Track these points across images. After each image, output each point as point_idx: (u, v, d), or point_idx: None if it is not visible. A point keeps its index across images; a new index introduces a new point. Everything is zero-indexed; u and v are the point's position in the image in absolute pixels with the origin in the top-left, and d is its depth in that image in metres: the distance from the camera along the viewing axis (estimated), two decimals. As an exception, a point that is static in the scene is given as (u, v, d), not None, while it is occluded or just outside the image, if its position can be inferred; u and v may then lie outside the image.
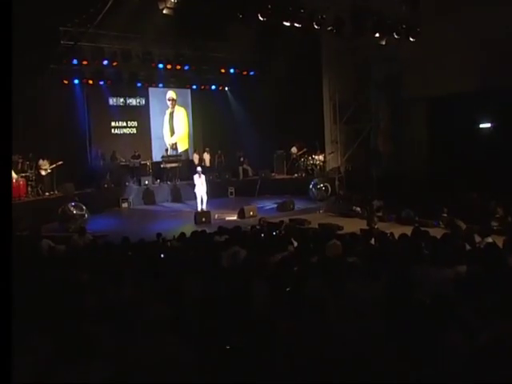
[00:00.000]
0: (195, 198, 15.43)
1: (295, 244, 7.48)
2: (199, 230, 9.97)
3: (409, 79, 16.36)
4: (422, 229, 7.63)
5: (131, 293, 4.33)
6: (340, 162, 18.83)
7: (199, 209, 15.10)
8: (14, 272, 5.89)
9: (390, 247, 6.00)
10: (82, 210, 12.80)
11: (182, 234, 9.27)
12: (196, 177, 15.51)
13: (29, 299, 4.14)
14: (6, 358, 2.56)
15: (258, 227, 10.14)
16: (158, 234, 9.62)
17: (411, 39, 13.18)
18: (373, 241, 7.45)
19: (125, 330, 3.14)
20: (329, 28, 12.57)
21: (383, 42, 13.42)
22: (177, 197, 18.67)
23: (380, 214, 11.91)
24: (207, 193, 15.52)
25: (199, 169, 16.00)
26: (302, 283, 3.92)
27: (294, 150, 19.86)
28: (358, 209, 12.56)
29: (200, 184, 15.33)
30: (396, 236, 7.60)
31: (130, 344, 2.95)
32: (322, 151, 19.37)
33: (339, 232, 9.26)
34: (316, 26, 12.13)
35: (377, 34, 13.25)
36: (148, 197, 18.16)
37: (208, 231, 9.91)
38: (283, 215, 13.59)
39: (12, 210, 3.45)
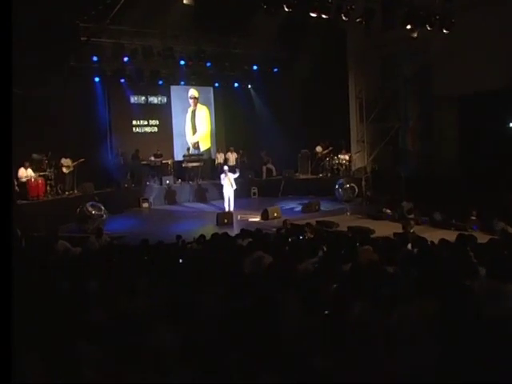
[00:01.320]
0: (223, 198, 15.10)
1: (324, 249, 6.87)
2: (220, 232, 9.46)
3: (438, 76, 15.74)
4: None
5: (142, 306, 3.80)
6: (366, 161, 18.15)
7: (227, 209, 14.69)
8: (24, 274, 5.39)
9: (433, 255, 5.35)
10: (100, 210, 12.42)
11: (202, 236, 8.75)
12: (222, 176, 15.11)
13: (29, 305, 3.71)
14: (6, 357, 2.50)
15: (282, 230, 9.56)
16: (178, 236, 9.14)
17: (445, 31, 12.43)
18: (409, 246, 6.84)
19: (124, 355, 2.61)
20: (357, 20, 11.94)
21: (415, 35, 12.72)
22: (199, 197, 18.29)
23: (411, 216, 11.21)
24: (234, 193, 15.13)
25: (226, 168, 15.61)
26: (339, 301, 3.33)
27: (318, 149, 19.22)
28: (389, 211, 11.87)
29: (227, 184, 14.90)
30: (434, 241, 6.98)
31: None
32: (348, 150, 18.75)
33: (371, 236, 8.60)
34: (344, 18, 11.51)
35: (408, 26, 12.55)
36: (169, 197, 17.83)
37: (230, 233, 9.41)
38: (309, 217, 12.99)
39: (12, 211, 3.28)
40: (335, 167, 18.69)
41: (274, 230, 10.31)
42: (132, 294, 4.44)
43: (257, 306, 3.79)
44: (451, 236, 7.20)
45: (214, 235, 8.83)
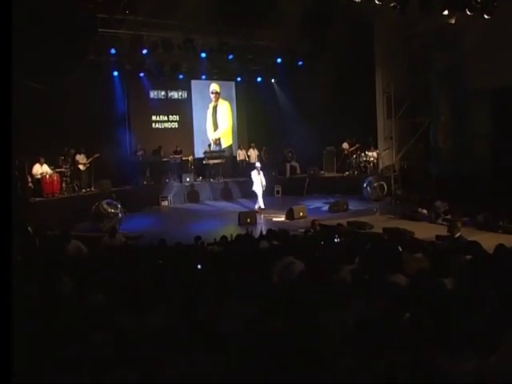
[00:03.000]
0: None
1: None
2: (243, 233, 8.76)
3: (472, 69, 14.84)
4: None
5: (150, 329, 3.09)
6: (394, 159, 17.27)
7: (260, 207, 14.33)
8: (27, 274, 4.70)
9: (495, 265, 4.54)
10: (116, 208, 11.84)
11: (224, 237, 8.06)
12: (254, 173, 14.68)
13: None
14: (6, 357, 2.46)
15: (311, 231, 8.79)
16: (197, 238, 8.44)
17: (486, 16, 11.48)
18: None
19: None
20: (391, 4, 11.08)
21: (453, 21, 11.82)
22: (220, 195, 17.76)
23: (448, 216, 10.35)
24: (263, 191, 14.69)
25: (258, 164, 15.18)
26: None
27: (345, 145, 18.42)
28: (424, 211, 11.01)
29: (258, 181, 14.45)
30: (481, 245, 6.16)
31: None
32: (376, 147, 17.87)
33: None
34: (377, 2, 10.65)
35: (445, 12, 11.64)
36: (189, 195, 17.35)
37: (254, 234, 8.70)
38: (337, 217, 12.21)
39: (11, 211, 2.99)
40: (362, 165, 17.86)
41: (302, 231, 9.56)
42: (140, 311, 3.74)
43: (292, 330, 3.07)
44: (500, 240, 6.43)
45: (238, 237, 8.12)
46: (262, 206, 14.33)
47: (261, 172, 14.55)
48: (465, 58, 15.06)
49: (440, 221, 10.12)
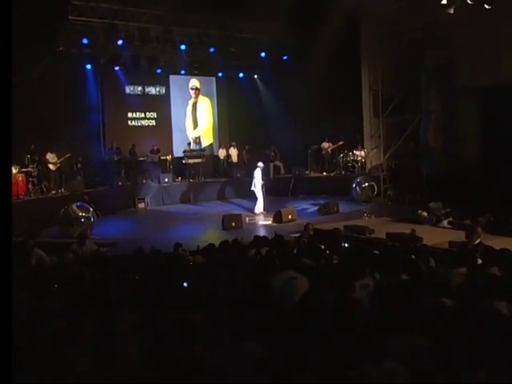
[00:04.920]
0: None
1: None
2: (228, 238, 7.83)
3: (462, 66, 14.56)
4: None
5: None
6: (382, 158, 16.63)
7: (259, 210, 13.71)
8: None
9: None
10: (88, 211, 10.79)
11: (211, 245, 7.12)
12: (257, 173, 14.03)
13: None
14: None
15: (304, 237, 7.91)
16: (177, 245, 7.47)
17: (486, 6, 10.83)
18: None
19: None
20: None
21: (451, 11, 11.14)
22: (201, 196, 16.89)
23: (450, 219, 9.60)
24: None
25: (261, 164, 14.36)
26: None
27: (324, 145, 17.80)
28: (425, 213, 10.25)
29: (259, 182, 13.92)
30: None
31: None
32: (363, 146, 17.21)
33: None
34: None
35: (444, 1, 10.96)
36: (168, 196, 16.48)
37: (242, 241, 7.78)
38: (329, 219, 11.37)
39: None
40: (350, 164, 17.18)
41: (293, 236, 8.70)
42: (109, 351, 2.79)
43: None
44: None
45: (224, 244, 7.19)
46: (262, 210, 13.63)
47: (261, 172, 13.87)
48: (455, 55, 14.75)
49: (444, 224, 9.35)
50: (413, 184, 15.06)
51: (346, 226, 8.77)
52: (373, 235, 8.41)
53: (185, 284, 4.26)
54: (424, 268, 5.18)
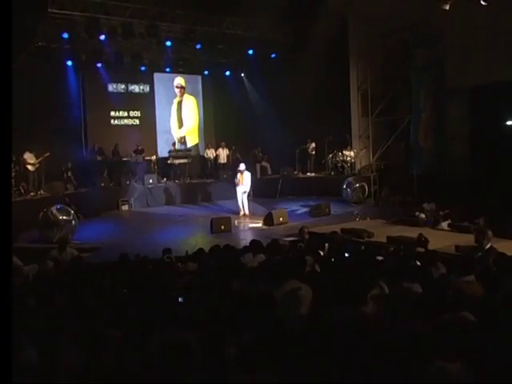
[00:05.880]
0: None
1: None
2: (219, 243, 7.36)
3: (452, 66, 14.34)
4: None
5: None
6: (372, 158, 16.35)
7: (241, 213, 13.18)
8: None
9: None
10: (69, 214, 10.20)
11: (201, 250, 6.65)
12: (238, 176, 13.59)
13: None
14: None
15: (301, 242, 7.48)
16: (166, 251, 6.98)
17: (483, 2, 10.57)
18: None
19: None
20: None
21: (447, 7, 10.89)
22: (187, 198, 16.35)
23: (448, 221, 9.26)
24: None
25: (242, 166, 13.81)
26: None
27: (309, 145, 17.46)
28: (423, 215, 9.90)
29: (241, 184, 13.39)
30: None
31: None
32: (353, 146, 16.94)
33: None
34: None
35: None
36: (153, 198, 15.93)
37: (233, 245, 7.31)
38: (322, 221, 10.96)
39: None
40: (339, 165, 16.81)
41: (288, 239, 8.29)
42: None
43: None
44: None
45: (215, 249, 6.72)
46: (247, 213, 13.16)
47: (245, 173, 13.33)
48: (444, 55, 14.53)
49: (443, 226, 9.00)
50: (403, 185, 14.78)
51: (343, 229, 8.36)
52: (372, 239, 8.01)
53: (180, 299, 3.77)
54: (436, 276, 4.80)
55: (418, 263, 5.26)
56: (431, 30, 14.25)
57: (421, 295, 4.18)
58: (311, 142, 17.38)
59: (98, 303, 4.17)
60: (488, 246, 5.52)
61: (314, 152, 17.47)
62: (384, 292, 4.24)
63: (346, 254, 5.59)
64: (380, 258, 5.76)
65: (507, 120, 13.62)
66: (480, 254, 5.43)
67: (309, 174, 17.41)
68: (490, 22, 11.94)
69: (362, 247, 6.68)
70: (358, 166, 16.89)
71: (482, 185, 12.89)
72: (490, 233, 5.60)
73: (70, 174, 14.81)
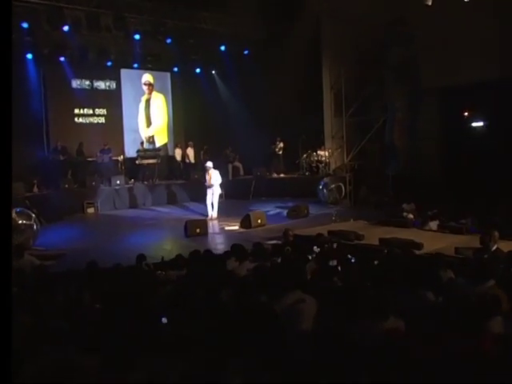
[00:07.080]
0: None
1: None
2: (196, 248, 6.76)
3: (425, 65, 14.40)
4: None
5: None
6: (346, 158, 16.09)
7: (209, 216, 12.52)
8: None
9: None
10: (29, 218, 9.39)
11: (180, 256, 6.04)
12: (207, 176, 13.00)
13: None
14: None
15: (286, 244, 6.96)
16: (140, 257, 6.33)
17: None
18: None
19: None
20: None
21: (429, 3, 10.63)
22: (157, 200, 15.76)
23: (436, 222, 8.93)
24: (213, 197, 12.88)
25: (209, 164, 13.22)
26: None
27: (277, 144, 17.09)
28: (411, 215, 9.57)
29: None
30: None
31: None
32: (326, 146, 16.65)
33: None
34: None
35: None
36: (120, 200, 15.25)
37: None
38: (301, 223, 10.49)
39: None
40: (314, 165, 16.47)
41: (271, 243, 7.77)
42: None
43: None
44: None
45: (195, 255, 6.11)
46: (215, 215, 12.54)
47: (213, 172, 12.74)
48: (418, 55, 14.48)
49: (432, 227, 8.64)
50: (379, 185, 14.63)
51: (330, 231, 7.88)
52: (362, 242, 7.55)
53: (164, 320, 3.15)
54: (446, 281, 4.36)
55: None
56: (406, 30, 14.09)
57: (438, 304, 3.73)
58: (280, 141, 17.03)
59: (65, 323, 3.52)
60: (494, 247, 5.13)
61: (281, 152, 17.11)
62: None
63: (352, 260, 5.07)
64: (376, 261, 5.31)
65: (473, 121, 13.85)
66: (486, 255, 5.04)
67: (275, 174, 17.04)
68: (461, 22, 11.82)
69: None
70: (332, 167, 16.63)
71: (454, 185, 12.86)
72: (496, 234, 5.22)
73: (35, 182, 13.96)
